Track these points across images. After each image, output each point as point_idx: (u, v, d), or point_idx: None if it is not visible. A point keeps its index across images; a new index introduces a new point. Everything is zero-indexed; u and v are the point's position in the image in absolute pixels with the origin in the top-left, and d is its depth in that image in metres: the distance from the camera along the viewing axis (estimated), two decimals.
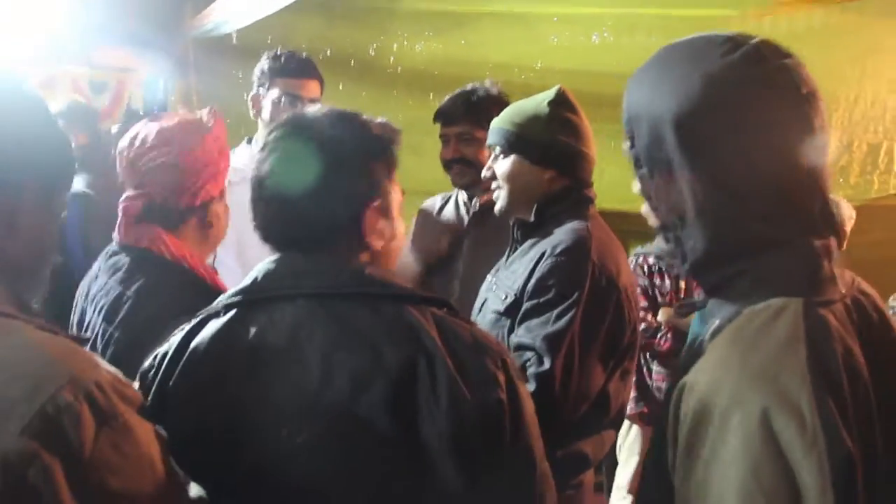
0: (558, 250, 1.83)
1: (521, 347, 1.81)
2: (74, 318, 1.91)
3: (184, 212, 1.84)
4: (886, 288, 3.73)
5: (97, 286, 1.82)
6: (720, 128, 0.99)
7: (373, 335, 1.17)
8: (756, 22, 3.83)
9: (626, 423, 3.52)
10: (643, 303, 3.41)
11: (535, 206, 1.97)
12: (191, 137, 1.82)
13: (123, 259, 1.79)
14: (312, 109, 1.34)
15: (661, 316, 3.38)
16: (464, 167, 2.50)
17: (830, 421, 0.84)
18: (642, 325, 3.28)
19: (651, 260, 3.49)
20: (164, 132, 1.79)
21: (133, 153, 1.77)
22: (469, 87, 2.56)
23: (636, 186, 1.11)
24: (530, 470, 1.21)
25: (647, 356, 3.47)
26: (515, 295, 1.89)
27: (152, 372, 1.25)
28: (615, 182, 4.12)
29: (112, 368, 1.02)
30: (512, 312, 1.89)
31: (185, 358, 1.22)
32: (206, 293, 1.75)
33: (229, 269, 2.53)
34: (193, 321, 1.27)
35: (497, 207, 2.04)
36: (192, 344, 1.23)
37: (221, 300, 1.27)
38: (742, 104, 0.98)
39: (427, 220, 2.71)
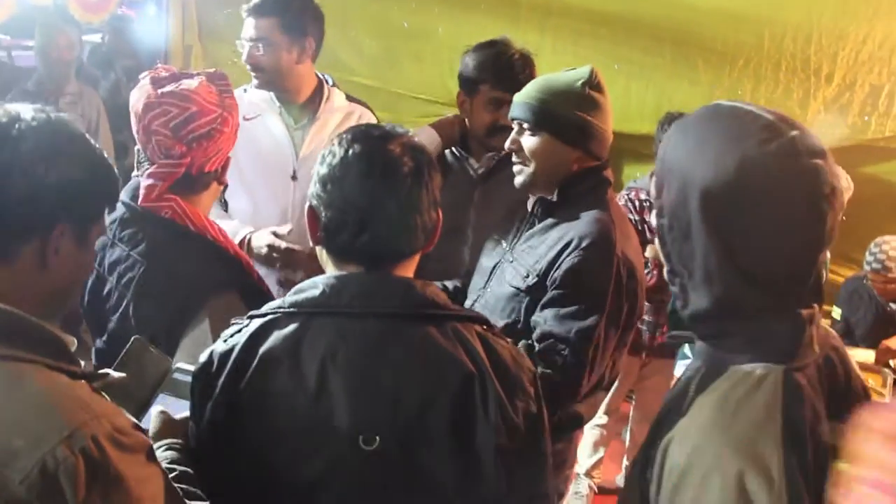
0: (585, 243, 1.85)
1: (551, 336, 1.85)
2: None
3: (210, 176, 1.82)
4: (873, 220, 3.75)
5: (115, 255, 1.77)
6: (743, 209, 1.07)
7: (437, 355, 1.27)
8: None
9: None
10: None
11: (559, 185, 1.97)
12: (226, 102, 1.78)
13: (144, 230, 1.75)
14: (377, 128, 1.39)
15: (648, 252, 3.37)
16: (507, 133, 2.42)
17: (795, 483, 1.00)
18: None
19: (643, 195, 3.45)
20: (201, 98, 1.73)
21: (174, 122, 1.69)
22: (504, 41, 2.41)
23: (653, 220, 1.17)
24: (546, 465, 1.39)
25: None
26: (538, 275, 1.91)
27: (214, 370, 1.29)
28: (618, 105, 4.09)
29: (117, 415, 1.11)
30: (533, 292, 1.92)
31: (254, 366, 1.26)
32: (232, 265, 1.77)
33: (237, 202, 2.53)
34: (253, 325, 1.30)
35: (518, 181, 2.01)
36: (261, 351, 1.26)
37: (279, 306, 1.30)
38: (767, 194, 1.06)
39: None
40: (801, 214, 1.07)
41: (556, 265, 1.87)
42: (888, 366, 3.50)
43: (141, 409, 1.42)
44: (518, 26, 4.20)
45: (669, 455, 1.08)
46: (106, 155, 1.24)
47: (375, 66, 4.53)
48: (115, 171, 1.27)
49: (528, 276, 1.92)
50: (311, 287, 1.31)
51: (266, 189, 2.59)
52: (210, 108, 1.73)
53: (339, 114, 2.63)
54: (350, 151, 1.29)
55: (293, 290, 1.33)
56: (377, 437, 1.23)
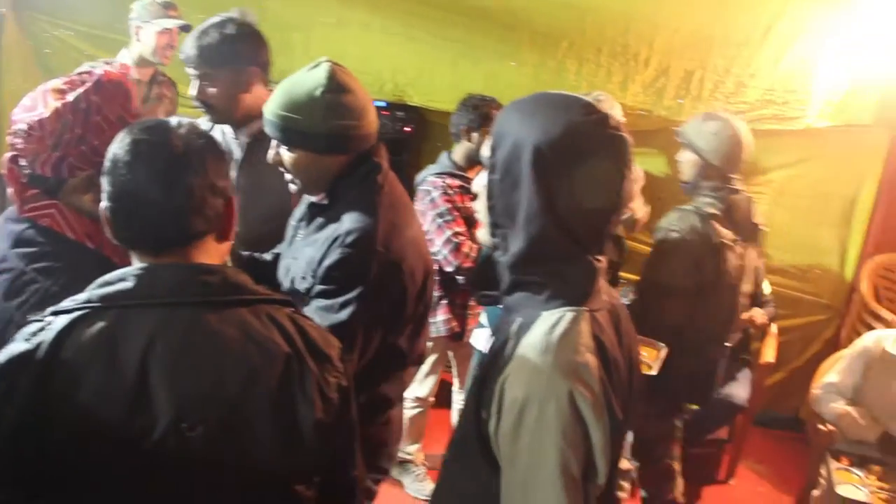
0: (348, 241, 1.87)
1: None
2: None
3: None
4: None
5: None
6: (565, 163, 1.29)
7: (255, 339, 1.30)
8: None
9: None
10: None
11: (328, 187, 1.99)
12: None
13: (29, 231, 1.69)
14: (156, 120, 1.40)
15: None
16: (209, 111, 2.50)
17: (609, 398, 1.29)
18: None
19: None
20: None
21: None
22: (218, 19, 2.42)
23: (482, 181, 1.40)
24: (356, 433, 1.48)
25: None
26: (313, 277, 1.94)
27: (14, 373, 1.19)
28: (446, 84, 4.15)
29: None
30: (312, 294, 1.96)
31: (64, 369, 1.19)
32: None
33: None
34: (58, 322, 1.22)
35: (293, 190, 2.03)
36: (70, 352, 1.19)
37: (87, 301, 1.24)
38: (585, 152, 1.30)
39: None
40: (608, 174, 1.31)
41: (321, 262, 1.91)
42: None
43: None
44: (348, 5, 4.17)
45: (507, 391, 1.29)
46: None
47: None
48: None
49: (305, 279, 1.96)
50: (120, 280, 1.27)
51: None
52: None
53: None
54: (120, 144, 1.29)
55: (97, 282, 1.28)
56: (200, 424, 1.22)
